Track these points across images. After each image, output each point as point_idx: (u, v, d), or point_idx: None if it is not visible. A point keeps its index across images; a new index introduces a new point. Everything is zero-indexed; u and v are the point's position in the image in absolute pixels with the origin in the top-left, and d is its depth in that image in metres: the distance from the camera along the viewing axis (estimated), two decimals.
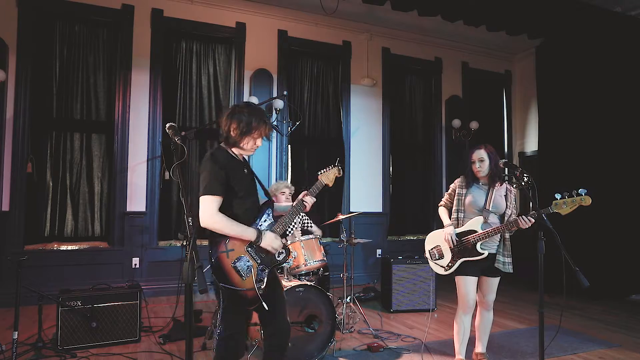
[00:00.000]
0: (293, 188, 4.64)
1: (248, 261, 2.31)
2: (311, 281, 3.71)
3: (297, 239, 3.88)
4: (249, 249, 2.33)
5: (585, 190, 2.81)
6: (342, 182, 6.88)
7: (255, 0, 6.32)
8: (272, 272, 2.44)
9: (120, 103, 5.70)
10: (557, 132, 6.56)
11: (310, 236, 3.99)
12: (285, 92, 6.30)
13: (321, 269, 4.13)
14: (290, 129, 6.50)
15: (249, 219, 2.37)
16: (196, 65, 6.22)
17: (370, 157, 7.12)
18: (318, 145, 6.92)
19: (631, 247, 5.80)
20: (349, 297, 4.43)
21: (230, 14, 6.28)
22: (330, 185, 2.67)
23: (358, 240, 4.49)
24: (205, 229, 2.32)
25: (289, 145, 6.65)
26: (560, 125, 6.51)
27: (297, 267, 3.76)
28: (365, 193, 7.04)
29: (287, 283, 3.40)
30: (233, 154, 2.43)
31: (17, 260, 3.30)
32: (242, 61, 6.32)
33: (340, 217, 4.44)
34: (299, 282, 3.45)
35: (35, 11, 5.36)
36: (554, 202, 2.85)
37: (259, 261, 2.34)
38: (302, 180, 6.72)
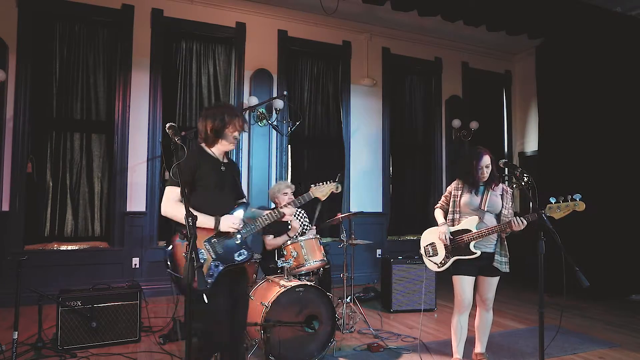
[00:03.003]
0: (294, 187, 4.64)
1: (203, 255, 2.40)
2: (311, 281, 3.71)
3: (297, 239, 3.87)
4: (207, 243, 2.42)
5: (580, 196, 2.83)
6: (342, 182, 6.86)
7: (255, 0, 6.32)
8: (234, 271, 2.49)
9: (120, 103, 5.70)
10: (557, 132, 6.56)
11: (310, 236, 3.99)
12: (285, 92, 6.30)
13: (321, 269, 4.12)
14: (290, 129, 6.50)
15: (214, 213, 2.46)
16: (196, 65, 6.22)
17: (370, 157, 7.12)
18: (318, 145, 6.92)
19: (631, 247, 5.80)
20: (349, 297, 4.43)
21: (230, 14, 6.28)
22: (322, 199, 2.74)
23: (358, 240, 4.49)
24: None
25: (289, 145, 6.65)
26: (560, 125, 6.51)
27: (297, 267, 3.76)
28: (365, 193, 7.04)
29: (287, 283, 3.40)
30: (210, 152, 2.57)
31: (17, 260, 3.30)
32: (242, 61, 6.32)
33: (340, 217, 4.44)
34: (299, 282, 3.45)
35: (35, 11, 5.36)
36: (547, 205, 2.86)
37: (214, 256, 2.42)
38: (302, 180, 6.72)
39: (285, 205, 2.66)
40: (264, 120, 6.22)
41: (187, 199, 2.17)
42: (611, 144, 5.98)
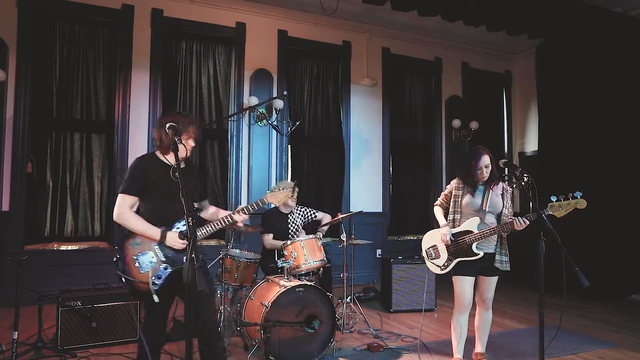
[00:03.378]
0: (293, 184, 4.64)
1: (153, 257, 2.47)
2: (311, 281, 3.71)
3: (297, 239, 3.88)
4: (156, 246, 2.48)
5: (581, 194, 2.82)
6: (342, 182, 6.88)
7: (255, 0, 6.32)
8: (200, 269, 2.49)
9: (120, 103, 5.71)
10: (557, 132, 6.56)
11: (310, 236, 3.99)
12: (285, 92, 6.30)
13: (321, 269, 4.12)
14: (290, 129, 6.50)
15: (163, 221, 2.51)
16: (196, 65, 6.22)
17: (370, 157, 7.12)
18: (318, 145, 6.92)
19: (631, 247, 5.80)
20: (349, 297, 4.43)
21: (230, 14, 6.28)
22: (278, 205, 2.73)
23: (358, 240, 4.49)
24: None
25: (289, 145, 6.65)
26: (560, 125, 6.51)
27: (297, 267, 3.75)
28: (365, 193, 7.04)
29: (287, 283, 3.40)
30: (164, 160, 2.57)
31: (17, 260, 3.30)
32: (242, 61, 6.32)
33: (340, 217, 4.45)
34: (299, 282, 3.45)
35: (35, 11, 5.37)
36: (549, 204, 2.86)
37: (163, 259, 2.48)
38: (302, 180, 6.73)
39: (237, 211, 2.65)
40: (264, 120, 6.22)
41: (186, 199, 2.17)
42: (611, 144, 5.98)
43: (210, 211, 2.90)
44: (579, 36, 6.10)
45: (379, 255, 6.89)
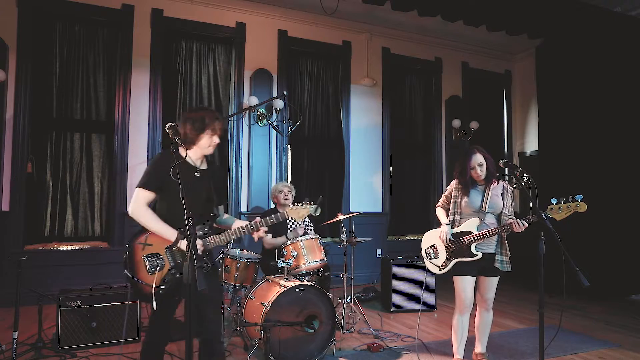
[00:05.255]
0: (292, 187, 4.65)
1: (162, 260, 2.38)
2: (311, 281, 3.71)
3: (297, 239, 3.87)
4: (167, 250, 2.40)
5: (581, 196, 2.82)
6: (342, 182, 6.88)
7: (255, 0, 6.32)
8: (208, 274, 2.44)
9: (120, 103, 5.71)
10: (557, 132, 6.56)
11: (310, 236, 3.99)
12: (285, 92, 6.30)
13: (321, 269, 4.13)
14: (290, 129, 6.50)
15: (179, 221, 2.28)
16: (196, 65, 6.22)
17: (370, 157, 7.12)
18: (318, 145, 6.92)
19: (631, 247, 5.80)
20: (349, 297, 4.43)
21: (230, 14, 6.28)
22: (298, 220, 2.68)
23: (358, 240, 4.49)
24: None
25: (289, 145, 6.65)
26: (560, 125, 6.51)
27: (297, 267, 3.76)
28: (365, 193, 7.04)
29: (287, 283, 3.40)
30: (186, 158, 2.45)
31: (17, 260, 3.30)
32: (242, 61, 6.32)
33: (340, 217, 4.44)
34: (299, 282, 3.45)
35: (35, 11, 5.37)
36: (549, 207, 2.86)
37: (172, 264, 2.39)
38: (301, 180, 6.73)
39: (256, 223, 2.50)
40: (264, 120, 6.22)
41: (186, 199, 2.16)
42: (611, 144, 5.98)
43: (224, 217, 2.76)
44: (579, 36, 6.10)
45: (379, 255, 6.89)
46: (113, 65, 5.79)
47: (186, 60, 6.19)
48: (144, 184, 2.41)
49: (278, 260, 3.66)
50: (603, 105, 6.04)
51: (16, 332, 3.22)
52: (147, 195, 2.40)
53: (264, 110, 6.21)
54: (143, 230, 2.41)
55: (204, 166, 2.58)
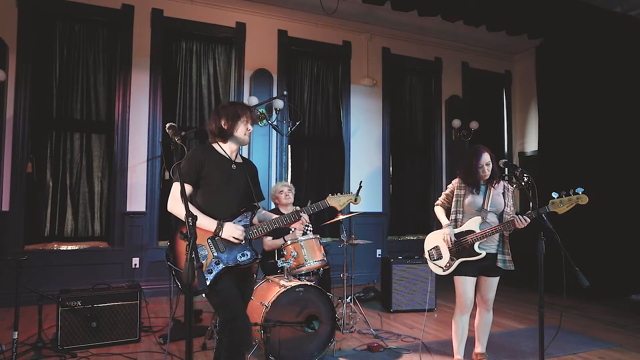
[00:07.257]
0: (292, 186, 4.64)
1: (205, 251, 2.39)
2: (311, 281, 3.71)
3: (297, 239, 3.87)
4: (210, 240, 2.41)
5: (582, 189, 2.82)
6: (342, 182, 6.88)
7: (255, 0, 6.32)
8: (239, 273, 2.46)
9: (120, 103, 5.71)
10: (557, 132, 6.56)
11: (310, 236, 3.99)
12: (285, 92, 6.29)
13: (321, 269, 4.12)
14: (290, 129, 6.50)
15: (219, 213, 2.43)
16: (196, 65, 6.22)
17: (370, 157, 7.12)
18: (318, 145, 6.92)
19: (631, 247, 5.80)
20: (349, 297, 4.43)
21: (230, 14, 6.28)
22: (339, 209, 2.71)
23: (358, 240, 4.49)
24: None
25: (289, 145, 6.65)
26: (560, 125, 6.51)
27: (297, 267, 3.75)
28: (365, 193, 6.99)
29: (287, 283, 3.40)
30: (220, 151, 2.55)
31: (17, 260, 3.30)
32: (242, 61, 6.32)
33: (340, 217, 4.44)
34: (299, 282, 3.45)
35: (35, 11, 5.37)
36: (550, 201, 2.85)
37: (215, 254, 2.41)
38: (301, 180, 6.73)
39: (302, 210, 2.58)
40: (264, 120, 6.22)
41: (186, 198, 2.16)
42: (611, 144, 5.98)
43: (261, 213, 2.78)
44: (579, 36, 6.11)
45: (379, 255, 6.89)
46: (113, 65, 5.79)
47: (186, 60, 6.19)
48: (181, 178, 2.41)
49: (278, 260, 3.65)
50: (603, 106, 6.04)
51: (16, 332, 3.22)
52: (185, 188, 2.39)
53: (264, 110, 6.21)
54: (182, 222, 2.38)
55: (239, 160, 2.65)
